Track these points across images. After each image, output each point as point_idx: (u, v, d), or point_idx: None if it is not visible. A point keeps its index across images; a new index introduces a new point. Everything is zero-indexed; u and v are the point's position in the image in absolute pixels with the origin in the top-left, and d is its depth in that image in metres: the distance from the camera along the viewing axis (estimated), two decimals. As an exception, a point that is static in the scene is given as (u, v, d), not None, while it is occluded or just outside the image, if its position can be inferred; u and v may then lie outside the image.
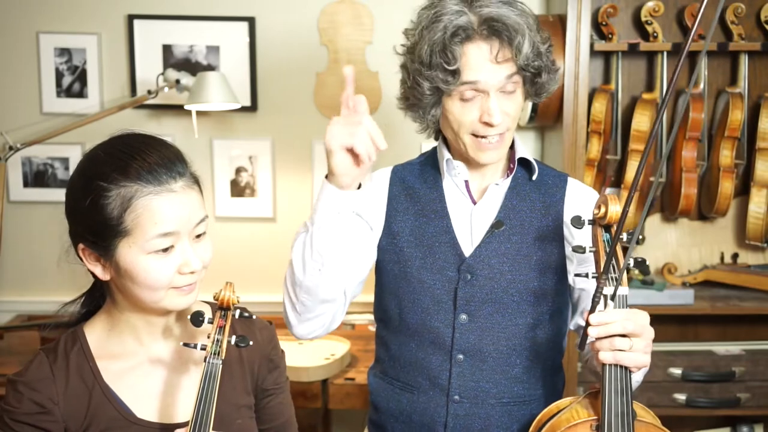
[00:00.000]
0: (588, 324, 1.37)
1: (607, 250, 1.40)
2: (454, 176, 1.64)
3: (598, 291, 1.38)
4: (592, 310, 1.38)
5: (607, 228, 1.42)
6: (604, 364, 1.38)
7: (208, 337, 1.25)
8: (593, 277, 1.40)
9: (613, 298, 1.37)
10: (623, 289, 1.38)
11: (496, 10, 1.48)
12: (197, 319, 1.24)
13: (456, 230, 1.62)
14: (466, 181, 1.65)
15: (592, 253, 1.42)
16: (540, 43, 1.52)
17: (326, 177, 1.50)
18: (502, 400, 1.60)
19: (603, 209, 1.40)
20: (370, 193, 1.65)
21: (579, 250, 1.42)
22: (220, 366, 1.24)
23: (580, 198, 1.64)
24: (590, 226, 1.44)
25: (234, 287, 1.28)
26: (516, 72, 1.51)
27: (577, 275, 1.49)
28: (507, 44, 1.48)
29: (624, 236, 1.40)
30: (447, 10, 1.49)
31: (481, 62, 1.49)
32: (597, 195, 1.67)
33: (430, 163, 1.69)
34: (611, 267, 1.38)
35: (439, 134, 1.67)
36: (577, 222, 1.43)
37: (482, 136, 1.53)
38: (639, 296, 2.54)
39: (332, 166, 1.46)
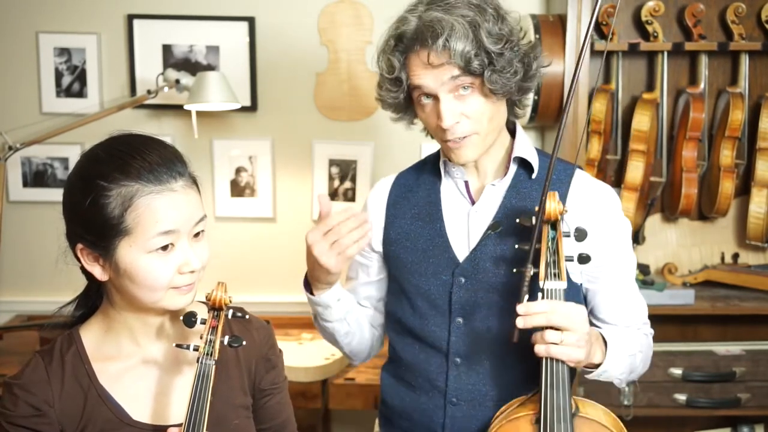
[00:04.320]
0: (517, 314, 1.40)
1: (550, 246, 1.44)
2: (453, 177, 1.64)
3: (525, 283, 1.42)
4: (520, 300, 1.40)
5: (553, 225, 1.46)
6: (540, 357, 1.40)
7: (201, 338, 1.25)
8: (535, 273, 1.43)
9: (542, 291, 1.41)
10: (559, 284, 1.41)
11: (436, 14, 1.45)
12: (190, 319, 1.24)
13: (451, 233, 1.61)
14: (467, 182, 1.63)
15: (536, 250, 1.45)
16: (490, 41, 1.46)
17: (306, 287, 1.63)
18: (499, 403, 1.59)
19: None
20: (371, 211, 1.70)
21: (523, 248, 1.45)
22: (213, 366, 1.23)
23: (586, 193, 1.60)
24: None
25: (226, 287, 1.27)
26: (461, 73, 1.47)
27: (516, 270, 1.48)
28: (438, 47, 1.45)
29: (570, 232, 1.45)
30: (404, 15, 1.51)
31: (419, 68, 1.49)
32: (609, 188, 1.65)
33: (430, 164, 1.69)
34: (552, 262, 1.43)
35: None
36: (527, 220, 1.47)
37: (445, 140, 1.53)
38: (639, 296, 2.53)
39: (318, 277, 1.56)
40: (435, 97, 1.50)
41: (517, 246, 1.47)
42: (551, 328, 1.38)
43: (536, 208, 1.46)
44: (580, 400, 1.48)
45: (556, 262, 1.43)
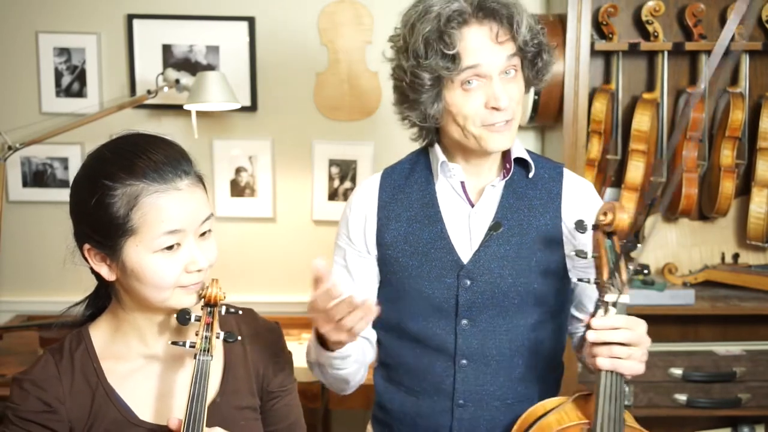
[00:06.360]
0: (589, 327, 1.37)
1: (610, 257, 1.39)
2: (449, 177, 1.61)
3: (600, 298, 1.38)
4: (593, 316, 1.38)
5: (610, 235, 1.41)
6: (599, 370, 1.38)
7: (197, 335, 1.25)
8: (595, 284, 1.40)
9: (615, 305, 1.37)
10: (625, 297, 1.38)
11: None
12: (183, 317, 1.24)
13: (453, 234, 1.59)
14: (463, 183, 1.61)
15: (593, 259, 1.41)
16: (534, 23, 1.51)
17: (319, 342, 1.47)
18: (506, 401, 1.59)
19: (610, 216, 1.38)
20: (359, 211, 1.64)
21: (581, 255, 1.41)
22: (210, 362, 1.23)
23: (577, 191, 1.61)
24: (593, 231, 1.43)
25: (219, 283, 1.27)
26: (515, 53, 1.49)
27: (579, 280, 1.48)
28: (506, 23, 1.47)
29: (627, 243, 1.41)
30: (435, 1, 1.47)
31: (481, 44, 1.46)
32: (591, 186, 1.67)
33: (421, 163, 1.65)
34: (613, 274, 1.38)
35: (434, 139, 1.62)
36: (580, 226, 1.42)
37: (491, 124, 1.49)
38: (639, 296, 2.53)
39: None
40: (482, 80, 1.48)
41: (574, 253, 1.43)
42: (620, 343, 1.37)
43: (598, 215, 1.41)
44: None
45: (619, 274, 1.38)
